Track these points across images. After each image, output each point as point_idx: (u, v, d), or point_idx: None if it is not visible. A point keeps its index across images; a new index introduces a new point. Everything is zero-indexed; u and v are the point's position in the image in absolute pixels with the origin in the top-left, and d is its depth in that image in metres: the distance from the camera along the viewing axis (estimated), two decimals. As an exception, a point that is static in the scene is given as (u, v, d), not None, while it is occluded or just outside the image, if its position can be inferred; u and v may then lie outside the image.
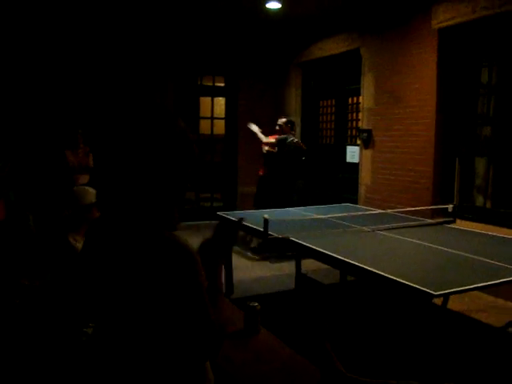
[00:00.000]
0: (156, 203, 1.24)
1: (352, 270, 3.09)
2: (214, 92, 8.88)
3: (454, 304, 4.00)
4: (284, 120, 6.99)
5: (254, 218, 4.34)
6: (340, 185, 7.88)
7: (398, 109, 6.33)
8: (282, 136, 6.80)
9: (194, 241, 1.28)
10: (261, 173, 7.19)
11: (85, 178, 6.10)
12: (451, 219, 4.51)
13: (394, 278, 2.70)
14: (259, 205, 6.82)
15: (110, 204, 1.26)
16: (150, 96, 7.68)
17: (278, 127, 6.77)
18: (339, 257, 3.20)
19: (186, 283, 1.15)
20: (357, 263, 3.03)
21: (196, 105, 8.93)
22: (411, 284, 2.58)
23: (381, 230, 4.12)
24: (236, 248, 6.54)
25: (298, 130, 8.66)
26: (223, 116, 9.03)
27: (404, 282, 2.63)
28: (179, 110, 8.17)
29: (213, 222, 5.05)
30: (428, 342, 3.04)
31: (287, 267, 5.93)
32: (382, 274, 2.79)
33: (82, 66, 7.34)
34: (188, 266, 1.16)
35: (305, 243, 3.57)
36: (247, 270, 5.92)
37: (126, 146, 1.23)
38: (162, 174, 1.23)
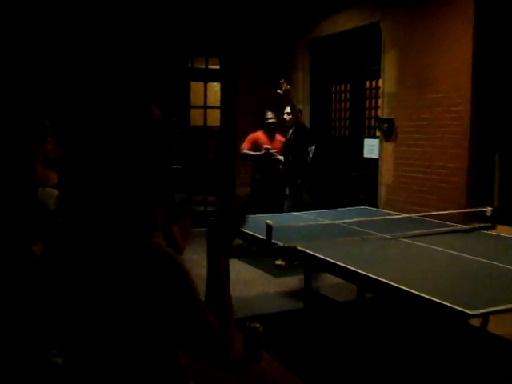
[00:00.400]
0: (130, 205, 1.25)
1: (371, 285, 3.08)
2: (208, 76, 8.93)
3: (495, 326, 3.94)
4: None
5: (254, 224, 4.39)
6: (356, 184, 7.95)
7: (425, 94, 6.36)
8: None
9: (185, 253, 1.29)
10: (257, 177, 7.30)
11: (54, 178, 6.10)
12: (490, 224, 4.51)
13: (422, 295, 2.69)
14: (259, 210, 6.91)
15: (76, 207, 1.26)
16: (124, 81, 7.76)
17: (286, 116, 6.65)
18: (356, 269, 3.21)
19: (176, 300, 1.19)
20: (376, 277, 3.04)
21: (186, 91, 8.92)
22: (442, 302, 2.57)
23: (405, 238, 4.15)
24: (233, 260, 6.59)
25: (306, 120, 8.70)
26: (218, 105, 9.08)
27: (433, 299, 2.62)
28: (166, 98, 8.24)
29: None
30: (464, 370, 3.03)
31: (294, 282, 5.96)
32: (407, 289, 2.80)
33: (47, 44, 7.33)
34: (177, 280, 1.19)
35: (315, 254, 3.59)
36: (247, 286, 5.95)
37: (90, 138, 1.24)
38: (133, 170, 1.24)
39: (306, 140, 6.57)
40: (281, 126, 6.99)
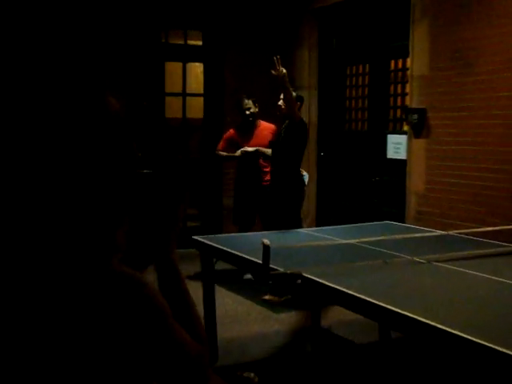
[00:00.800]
0: (78, 222, 1.24)
1: (398, 323, 3.09)
2: (187, 55, 8.91)
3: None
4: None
5: (247, 243, 4.43)
6: (377, 193, 7.98)
7: (467, 76, 6.37)
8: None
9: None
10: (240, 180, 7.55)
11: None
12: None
13: (464, 336, 2.66)
14: (244, 221, 7.22)
15: (10, 225, 1.23)
16: (71, 59, 7.31)
17: (282, 103, 6.62)
18: (377, 302, 3.20)
19: (151, 337, 1.24)
20: (405, 312, 3.02)
21: (160, 74, 8.86)
22: (491, 345, 2.53)
23: (441, 262, 4.14)
24: (221, 288, 6.54)
25: (313, 110, 8.81)
26: (201, 91, 9.10)
27: (479, 341, 2.58)
28: (131, 84, 8.21)
29: (187, 250, 5.11)
30: None
31: (299, 318, 5.96)
32: (444, 328, 2.76)
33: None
34: (150, 316, 1.23)
35: (325, 282, 3.60)
36: (238, 323, 5.95)
37: (27, 136, 1.21)
38: (81, 177, 1.23)
39: (300, 142, 6.60)
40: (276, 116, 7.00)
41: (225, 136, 7.56)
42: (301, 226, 6.42)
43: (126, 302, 1.21)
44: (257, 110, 7.33)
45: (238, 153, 7.22)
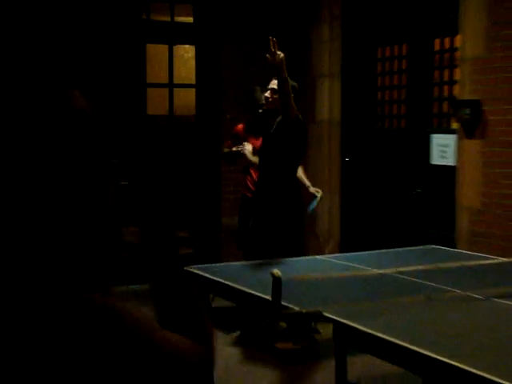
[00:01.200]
0: (52, 242, 1.26)
1: (449, 379, 3.06)
2: (175, 35, 8.94)
3: None
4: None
5: (252, 274, 4.59)
6: (419, 209, 7.99)
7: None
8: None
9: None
10: (243, 191, 7.65)
11: None
12: None
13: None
14: (251, 247, 7.03)
15: None
16: (29, 42, 7.23)
17: (269, 95, 6.71)
18: (421, 351, 3.17)
19: (136, 365, 1.30)
20: (460, 365, 2.97)
21: (140, 60, 8.80)
22: None
23: (502, 298, 4.12)
24: (219, 333, 6.56)
25: (335, 104, 8.82)
26: (193, 81, 9.15)
27: None
28: (103, 73, 8.21)
29: None
30: None
31: (318, 371, 5.91)
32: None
33: None
34: (127, 343, 1.28)
35: (353, 324, 3.60)
36: (242, 379, 5.93)
37: None
38: (42, 187, 1.25)
39: (297, 145, 6.63)
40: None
41: (232, 131, 7.69)
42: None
43: (95, 336, 1.24)
44: (271, 100, 7.06)
45: (238, 148, 7.27)
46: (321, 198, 6.90)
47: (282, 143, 6.45)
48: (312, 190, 7.00)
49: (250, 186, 7.41)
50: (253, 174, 7.35)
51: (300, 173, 7.05)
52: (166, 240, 1.55)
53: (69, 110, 1.27)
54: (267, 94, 6.62)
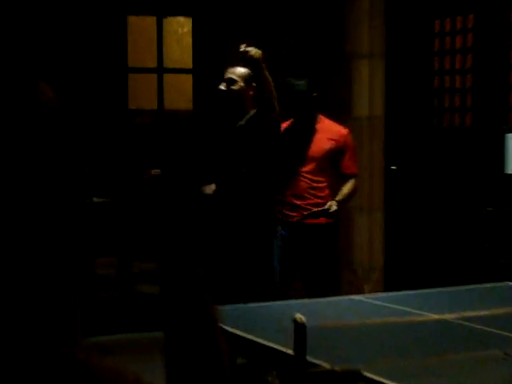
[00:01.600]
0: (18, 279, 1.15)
1: None
2: (165, 4, 8.88)
3: None
4: (242, 71, 7.01)
5: (267, 320, 4.81)
6: (491, 233, 7.79)
7: None
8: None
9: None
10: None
11: None
12: None
13: None
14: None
15: None
16: None
17: (223, 87, 6.82)
18: None
19: None
20: None
21: (120, 37, 8.61)
22: None
23: None
24: None
25: (377, 95, 8.61)
26: (189, 65, 9.07)
27: None
28: (74, 56, 8.00)
29: (151, 334, 5.92)
30: None
31: None
32: None
33: None
34: None
35: None
36: None
37: None
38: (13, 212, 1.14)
39: (270, 149, 6.85)
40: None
41: None
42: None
43: None
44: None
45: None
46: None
47: (258, 145, 6.74)
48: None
49: None
50: None
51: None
52: (189, 279, 1.55)
53: (32, 103, 1.19)
54: (222, 86, 6.86)
